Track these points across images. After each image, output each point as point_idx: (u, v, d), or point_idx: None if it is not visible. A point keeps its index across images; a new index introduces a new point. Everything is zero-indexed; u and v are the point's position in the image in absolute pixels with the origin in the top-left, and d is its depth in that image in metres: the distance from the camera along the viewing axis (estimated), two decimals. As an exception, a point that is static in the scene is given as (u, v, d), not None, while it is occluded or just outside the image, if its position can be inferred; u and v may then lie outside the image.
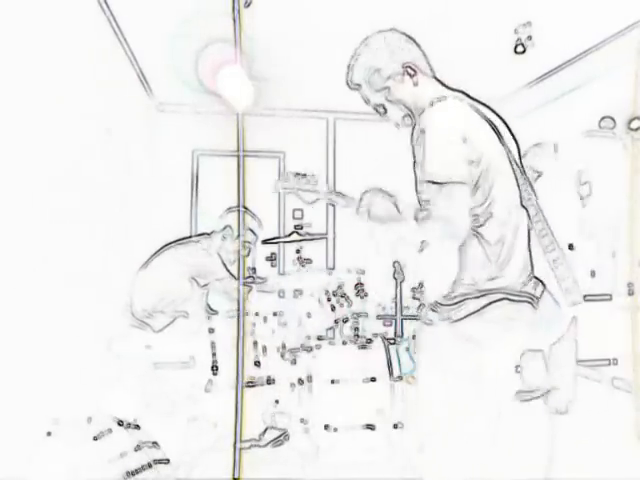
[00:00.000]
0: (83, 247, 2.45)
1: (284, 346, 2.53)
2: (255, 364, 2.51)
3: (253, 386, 2.51)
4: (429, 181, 2.23)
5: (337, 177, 2.63)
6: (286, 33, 2.45)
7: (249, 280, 2.55)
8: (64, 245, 2.43)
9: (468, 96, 2.29)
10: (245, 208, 2.51)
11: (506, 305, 2.17)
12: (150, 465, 2.41)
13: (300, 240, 2.55)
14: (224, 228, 2.54)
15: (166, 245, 2.54)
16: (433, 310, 2.28)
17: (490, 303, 2.18)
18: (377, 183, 2.52)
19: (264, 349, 2.52)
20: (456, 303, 2.22)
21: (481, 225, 2.20)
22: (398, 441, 2.45)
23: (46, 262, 2.41)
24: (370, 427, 2.44)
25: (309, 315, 2.55)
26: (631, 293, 2.43)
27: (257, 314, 2.55)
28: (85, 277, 2.44)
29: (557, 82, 2.54)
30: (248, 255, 2.57)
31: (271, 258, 2.59)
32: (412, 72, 2.30)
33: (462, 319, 2.20)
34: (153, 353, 2.51)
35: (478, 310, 2.19)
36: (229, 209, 2.52)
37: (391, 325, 2.52)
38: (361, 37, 2.38)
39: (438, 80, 2.35)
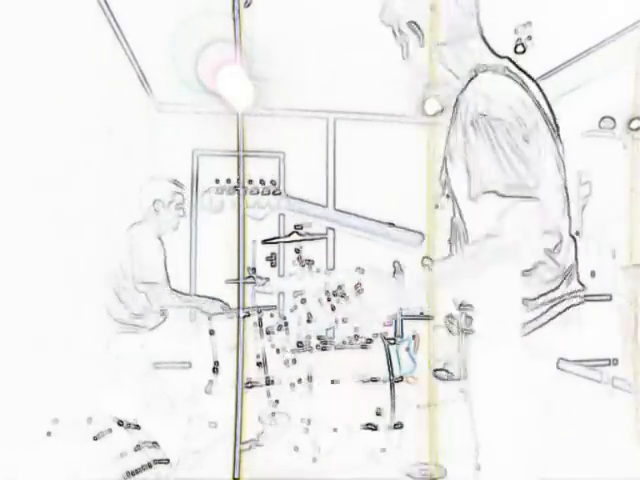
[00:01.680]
0: (82, 247, 2.43)
1: (284, 347, 2.54)
2: (258, 365, 2.50)
3: (253, 386, 2.51)
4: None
5: (337, 178, 2.60)
6: (286, 33, 2.42)
7: (249, 280, 2.52)
8: (63, 245, 2.42)
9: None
10: (177, 183, 2.50)
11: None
12: (150, 465, 2.39)
13: (300, 240, 2.51)
14: (154, 202, 2.47)
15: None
16: None
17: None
18: (378, 184, 2.52)
19: (264, 350, 2.52)
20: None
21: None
22: (398, 441, 2.45)
23: (45, 262, 2.40)
24: (370, 427, 2.42)
25: (309, 315, 2.52)
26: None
27: (260, 310, 2.52)
28: (84, 277, 2.44)
29: (557, 82, 2.48)
30: (184, 215, 2.52)
31: (271, 258, 2.56)
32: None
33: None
34: (152, 353, 2.46)
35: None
36: (152, 177, 2.48)
37: (391, 325, 2.48)
38: (362, 36, 2.38)
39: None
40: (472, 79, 2.10)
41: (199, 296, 2.51)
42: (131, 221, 2.51)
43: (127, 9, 2.39)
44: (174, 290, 2.51)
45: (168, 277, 2.53)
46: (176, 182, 2.50)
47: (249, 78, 2.44)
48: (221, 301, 2.50)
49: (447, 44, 2.15)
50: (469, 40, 2.15)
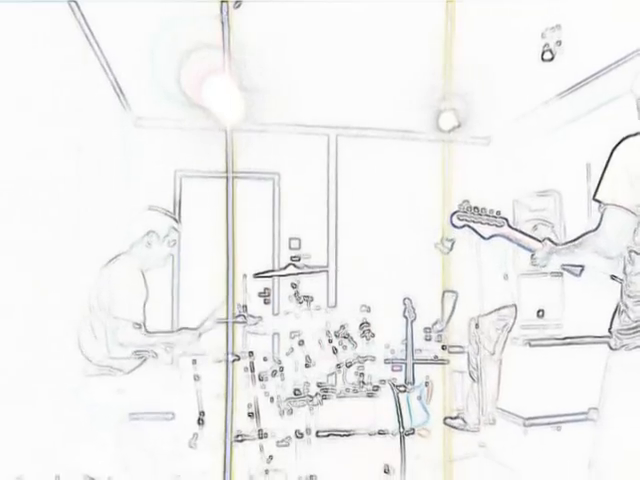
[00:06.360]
0: (53, 275, 2.25)
1: (279, 395, 2.38)
2: (249, 415, 2.34)
3: (243, 440, 2.34)
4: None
5: (339, 201, 2.49)
6: (282, 37, 2.31)
7: (239, 320, 2.35)
8: (32, 273, 2.21)
9: None
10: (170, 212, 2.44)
11: None
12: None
13: (297, 273, 2.39)
14: (147, 234, 2.37)
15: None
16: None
17: None
18: (386, 209, 2.43)
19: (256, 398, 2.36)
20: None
21: None
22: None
23: (11, 291, 2.17)
24: (378, 487, 2.34)
25: (308, 359, 2.38)
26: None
27: (251, 354, 2.37)
28: (55, 309, 2.26)
29: (590, 93, 2.34)
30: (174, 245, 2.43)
31: (264, 294, 2.43)
32: None
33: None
34: (129, 401, 2.30)
35: None
36: (150, 207, 2.39)
37: (401, 370, 2.38)
38: (369, 43, 2.28)
39: None
40: None
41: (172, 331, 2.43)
42: (108, 251, 2.35)
43: (100, 12, 2.25)
44: (148, 332, 2.37)
45: (145, 316, 2.37)
46: (174, 217, 2.44)
47: (239, 89, 2.37)
48: (187, 328, 2.36)
49: None
50: None
